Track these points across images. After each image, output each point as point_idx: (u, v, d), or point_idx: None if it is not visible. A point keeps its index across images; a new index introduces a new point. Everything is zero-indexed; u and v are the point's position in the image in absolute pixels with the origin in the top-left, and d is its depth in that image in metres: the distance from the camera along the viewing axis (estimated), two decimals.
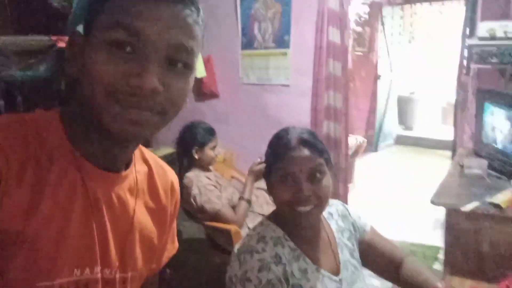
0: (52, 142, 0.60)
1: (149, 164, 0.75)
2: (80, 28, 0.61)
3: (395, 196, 4.15)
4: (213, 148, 2.27)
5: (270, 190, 1.10)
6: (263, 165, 2.32)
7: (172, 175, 0.80)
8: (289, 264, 1.04)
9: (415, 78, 6.57)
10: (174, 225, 0.81)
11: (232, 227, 2.13)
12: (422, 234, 3.36)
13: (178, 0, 0.57)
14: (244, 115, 3.55)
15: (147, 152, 0.77)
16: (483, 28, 2.22)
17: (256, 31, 3.31)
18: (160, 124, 0.60)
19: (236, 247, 1.11)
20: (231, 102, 3.56)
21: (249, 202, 2.26)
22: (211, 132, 2.26)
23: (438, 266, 2.91)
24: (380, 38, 5.40)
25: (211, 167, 2.38)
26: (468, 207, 1.62)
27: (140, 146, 0.72)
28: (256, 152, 3.55)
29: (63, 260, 0.59)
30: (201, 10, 0.61)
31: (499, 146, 2.04)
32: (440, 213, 3.81)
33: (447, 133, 6.02)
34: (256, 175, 2.33)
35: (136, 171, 0.71)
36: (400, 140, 6.25)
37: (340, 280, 1.10)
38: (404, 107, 6.47)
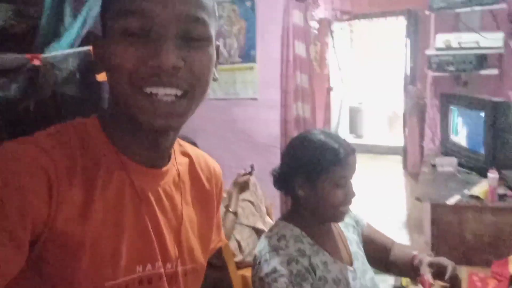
0: (95, 146, 0.61)
1: (189, 155, 0.76)
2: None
3: (358, 202, 4.34)
4: None
5: (316, 193, 1.12)
6: (247, 177, 2.36)
7: (213, 162, 0.81)
8: (312, 257, 1.09)
9: (363, 89, 6.96)
10: (219, 214, 0.82)
11: None
12: (388, 235, 3.54)
13: None
14: (212, 129, 3.56)
15: (186, 145, 0.78)
16: (440, 39, 2.44)
17: (221, 46, 3.36)
18: (189, 108, 0.60)
19: (257, 250, 1.14)
20: (198, 118, 3.51)
21: (235, 214, 2.27)
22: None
23: None
24: (331, 52, 5.67)
25: None
26: (452, 200, 1.76)
27: (178, 140, 0.73)
28: (226, 166, 3.56)
29: (124, 259, 0.60)
30: None
31: (465, 144, 2.24)
32: (402, 214, 4.07)
33: (394, 139, 6.42)
34: (241, 187, 2.34)
35: (178, 164, 0.72)
36: None
37: (354, 270, 1.17)
38: (354, 116, 6.81)
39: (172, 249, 0.67)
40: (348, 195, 1.12)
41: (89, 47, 2.24)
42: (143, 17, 0.55)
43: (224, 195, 2.52)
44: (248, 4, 3.26)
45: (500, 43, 2.34)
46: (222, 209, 2.28)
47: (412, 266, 1.19)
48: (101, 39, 0.61)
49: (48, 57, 1.98)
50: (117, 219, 0.60)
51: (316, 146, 1.13)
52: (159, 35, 0.56)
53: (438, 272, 1.11)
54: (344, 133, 6.43)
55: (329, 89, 5.81)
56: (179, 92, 0.58)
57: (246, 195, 2.40)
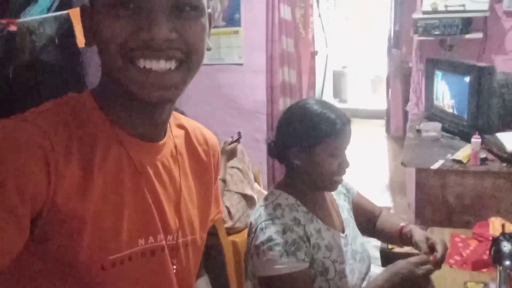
0: (90, 121, 0.61)
1: (184, 128, 0.76)
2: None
3: None
4: None
5: (311, 162, 1.13)
6: (235, 144, 2.36)
7: (209, 134, 0.81)
8: (307, 225, 1.12)
9: (347, 53, 6.91)
10: (217, 186, 0.82)
11: None
12: (371, 197, 3.62)
13: None
14: (198, 96, 3.50)
15: (181, 117, 0.78)
16: (427, 2, 2.42)
17: None
18: (185, 79, 0.60)
19: (253, 218, 1.16)
20: None
21: (224, 181, 2.29)
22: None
23: None
24: (315, 14, 5.56)
25: None
26: (436, 165, 1.81)
27: (174, 112, 0.72)
28: (213, 133, 3.56)
29: (126, 232, 0.61)
30: None
31: (449, 109, 2.28)
32: (385, 176, 4.17)
33: (377, 103, 6.47)
34: (229, 155, 2.35)
35: (174, 136, 0.72)
36: None
37: (346, 236, 1.21)
38: (337, 80, 6.79)
39: (173, 221, 0.68)
40: (343, 165, 1.13)
41: (68, 11, 2.14)
42: None
43: None
44: None
45: (485, 6, 2.33)
46: None
47: (399, 235, 1.25)
48: (89, 9, 0.59)
49: (24, 22, 1.88)
50: (116, 193, 0.60)
51: (312, 117, 1.12)
52: (150, 8, 0.54)
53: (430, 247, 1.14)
54: (328, 98, 6.44)
55: (314, 53, 5.76)
56: (173, 65, 0.57)
57: (233, 162, 2.41)
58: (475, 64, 2.05)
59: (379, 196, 3.70)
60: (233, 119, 3.36)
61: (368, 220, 1.35)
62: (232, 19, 3.22)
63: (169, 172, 0.69)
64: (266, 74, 3.18)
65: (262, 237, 1.08)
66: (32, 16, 1.97)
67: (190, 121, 0.79)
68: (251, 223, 1.16)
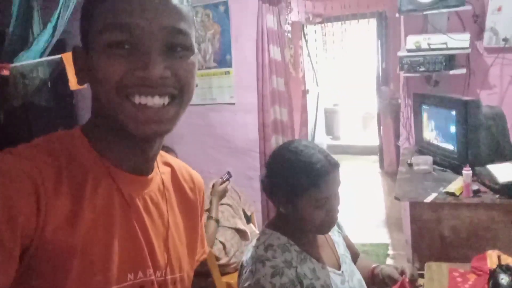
0: (81, 155, 0.62)
1: (171, 166, 0.77)
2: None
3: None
4: None
5: (297, 212, 1.11)
6: (226, 184, 2.36)
7: (194, 173, 0.82)
8: (300, 267, 1.09)
9: (337, 91, 7.05)
10: (202, 225, 0.82)
11: None
12: (369, 234, 3.60)
13: None
14: (191, 135, 3.53)
15: (167, 155, 0.79)
16: (410, 41, 2.50)
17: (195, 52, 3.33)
18: (177, 114, 0.62)
19: (244, 258, 1.14)
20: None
21: (217, 221, 2.27)
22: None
23: (390, 261, 3.14)
24: (305, 55, 5.73)
25: None
26: (429, 198, 1.80)
27: (160, 151, 0.73)
28: (206, 172, 3.54)
29: (116, 266, 0.60)
30: None
31: (438, 142, 2.30)
32: (381, 213, 4.13)
33: (369, 139, 6.53)
34: (221, 195, 2.35)
35: (161, 173, 0.73)
36: (331, 150, 6.60)
37: (342, 273, 1.18)
38: (329, 118, 6.88)
39: (161, 257, 0.67)
40: (332, 212, 1.10)
41: (60, 56, 2.19)
42: (130, 31, 0.56)
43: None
44: (222, 8, 3.25)
45: (466, 44, 2.41)
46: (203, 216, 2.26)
47: (371, 276, 1.28)
48: (82, 50, 0.61)
49: (17, 66, 1.91)
50: (106, 226, 0.60)
51: (295, 168, 1.09)
52: (145, 48, 0.57)
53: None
54: (321, 135, 6.50)
55: (305, 92, 5.87)
56: (166, 101, 0.60)
57: (223, 199, 2.41)
58: (460, 98, 2.09)
59: (376, 233, 3.65)
60: (226, 157, 3.36)
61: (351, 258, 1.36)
62: (223, 60, 3.31)
63: (157, 207, 0.69)
64: (258, 113, 3.22)
65: (250, 280, 1.05)
66: (25, 60, 2.01)
67: (176, 159, 0.80)
68: (242, 264, 1.13)
